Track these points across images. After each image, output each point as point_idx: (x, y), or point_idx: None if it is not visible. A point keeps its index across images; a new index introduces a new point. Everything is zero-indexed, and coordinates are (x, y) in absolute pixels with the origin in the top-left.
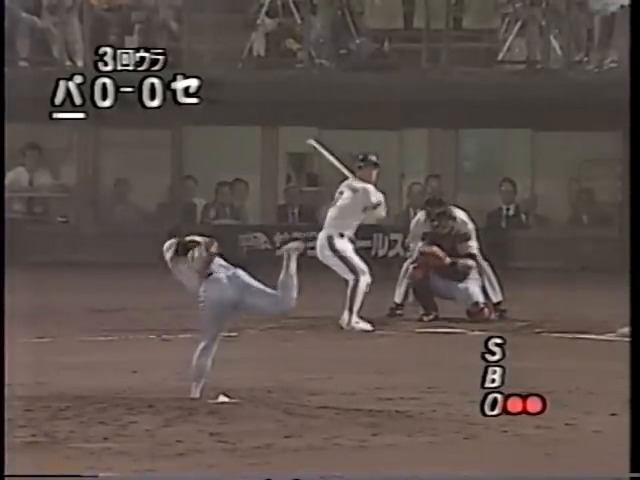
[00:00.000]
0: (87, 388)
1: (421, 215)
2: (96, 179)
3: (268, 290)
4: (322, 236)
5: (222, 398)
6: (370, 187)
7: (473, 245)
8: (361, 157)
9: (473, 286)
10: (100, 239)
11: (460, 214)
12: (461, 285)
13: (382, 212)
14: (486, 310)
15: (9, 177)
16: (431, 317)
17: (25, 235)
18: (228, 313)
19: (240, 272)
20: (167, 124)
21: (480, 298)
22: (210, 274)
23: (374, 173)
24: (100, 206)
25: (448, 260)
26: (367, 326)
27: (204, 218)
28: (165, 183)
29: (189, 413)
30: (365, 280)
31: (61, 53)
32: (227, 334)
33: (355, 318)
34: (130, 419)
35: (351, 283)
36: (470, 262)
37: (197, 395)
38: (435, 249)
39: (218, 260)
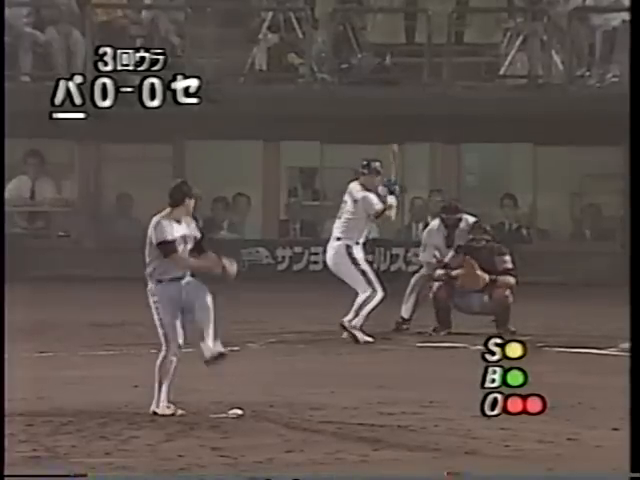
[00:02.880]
0: (88, 403)
1: (435, 223)
2: (98, 194)
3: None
4: (337, 245)
5: (235, 411)
6: (371, 195)
7: (509, 260)
8: (365, 163)
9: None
10: (102, 254)
11: (472, 220)
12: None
13: (392, 215)
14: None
15: (12, 185)
16: (443, 334)
17: (26, 250)
18: (179, 316)
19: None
20: (169, 138)
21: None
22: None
23: (377, 179)
24: (102, 221)
25: (487, 278)
26: (366, 338)
27: (205, 232)
28: (167, 198)
29: (190, 428)
30: (379, 297)
31: (63, 67)
32: (228, 348)
33: (357, 321)
34: (131, 434)
35: (366, 294)
36: (511, 280)
37: (156, 408)
38: (475, 271)
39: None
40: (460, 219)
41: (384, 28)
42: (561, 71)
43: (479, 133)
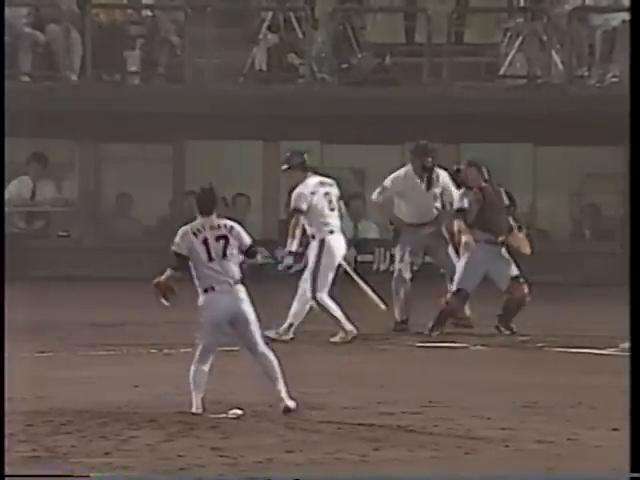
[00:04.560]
0: (88, 403)
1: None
2: (98, 193)
3: None
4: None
5: (235, 411)
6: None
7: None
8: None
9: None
10: (102, 253)
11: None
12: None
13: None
14: (526, 286)
15: (13, 185)
16: (437, 333)
17: (27, 249)
18: (224, 327)
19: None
20: (169, 138)
21: (517, 272)
22: (210, 288)
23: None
24: (102, 220)
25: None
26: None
27: None
28: (167, 197)
29: (190, 428)
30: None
31: (63, 68)
32: (228, 348)
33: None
34: (131, 434)
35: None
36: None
37: (199, 409)
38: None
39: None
40: None
41: (384, 28)
42: (561, 71)
43: (479, 133)
